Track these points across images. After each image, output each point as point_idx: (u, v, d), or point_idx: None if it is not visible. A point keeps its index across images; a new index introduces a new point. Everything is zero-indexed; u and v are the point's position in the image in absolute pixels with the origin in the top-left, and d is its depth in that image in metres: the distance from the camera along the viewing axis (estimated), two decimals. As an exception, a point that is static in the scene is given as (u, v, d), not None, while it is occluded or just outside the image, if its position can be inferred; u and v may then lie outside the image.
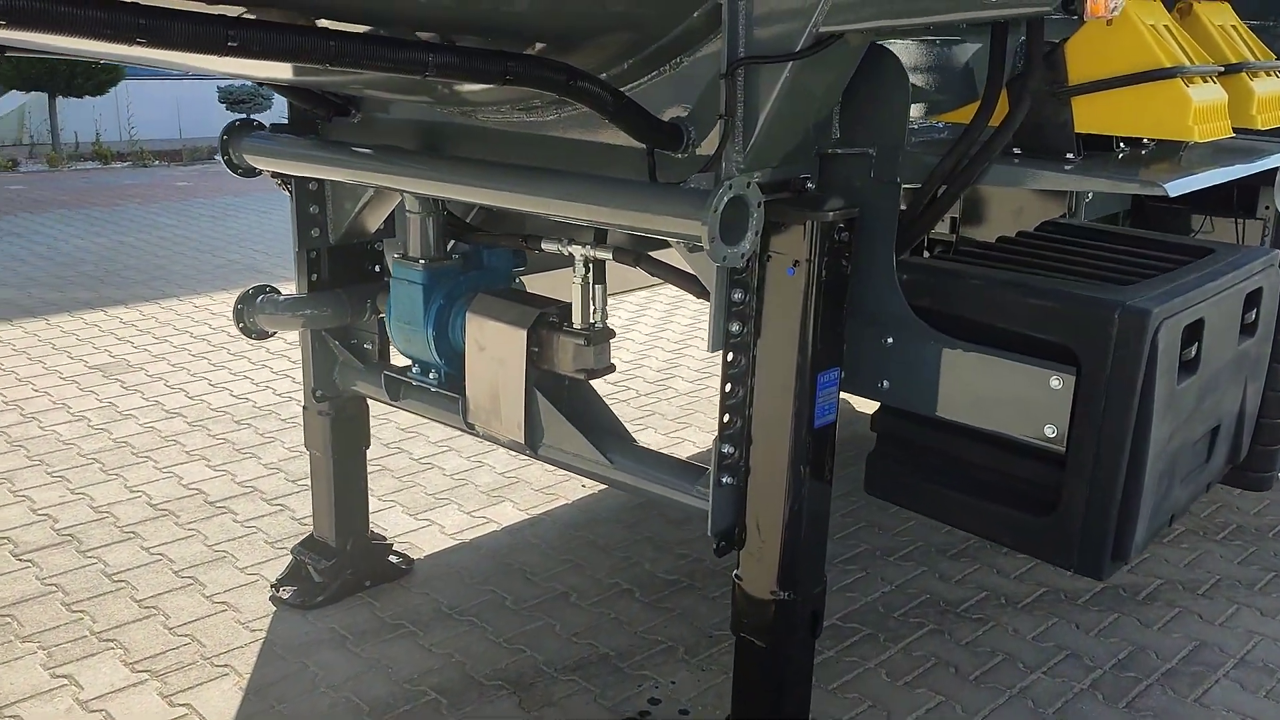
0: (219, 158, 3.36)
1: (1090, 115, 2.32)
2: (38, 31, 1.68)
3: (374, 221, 3.49)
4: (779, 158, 2.37)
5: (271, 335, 3.56)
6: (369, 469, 4.43)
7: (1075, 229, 3.06)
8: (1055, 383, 2.27)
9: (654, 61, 2.41)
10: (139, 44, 1.75)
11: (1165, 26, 2.36)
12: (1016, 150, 2.40)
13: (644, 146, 2.40)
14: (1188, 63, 2.29)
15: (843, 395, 2.49)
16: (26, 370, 6.12)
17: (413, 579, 3.88)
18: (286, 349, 6.51)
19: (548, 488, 4.62)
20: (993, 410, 2.38)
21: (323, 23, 2.06)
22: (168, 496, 4.51)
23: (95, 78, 15.68)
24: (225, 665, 3.33)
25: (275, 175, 3.33)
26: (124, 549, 4.05)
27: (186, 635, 3.49)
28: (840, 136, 2.46)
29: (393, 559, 3.91)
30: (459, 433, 5.14)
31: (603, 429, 2.93)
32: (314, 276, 3.46)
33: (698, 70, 2.38)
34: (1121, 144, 2.53)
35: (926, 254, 3.95)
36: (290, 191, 3.41)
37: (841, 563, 4.04)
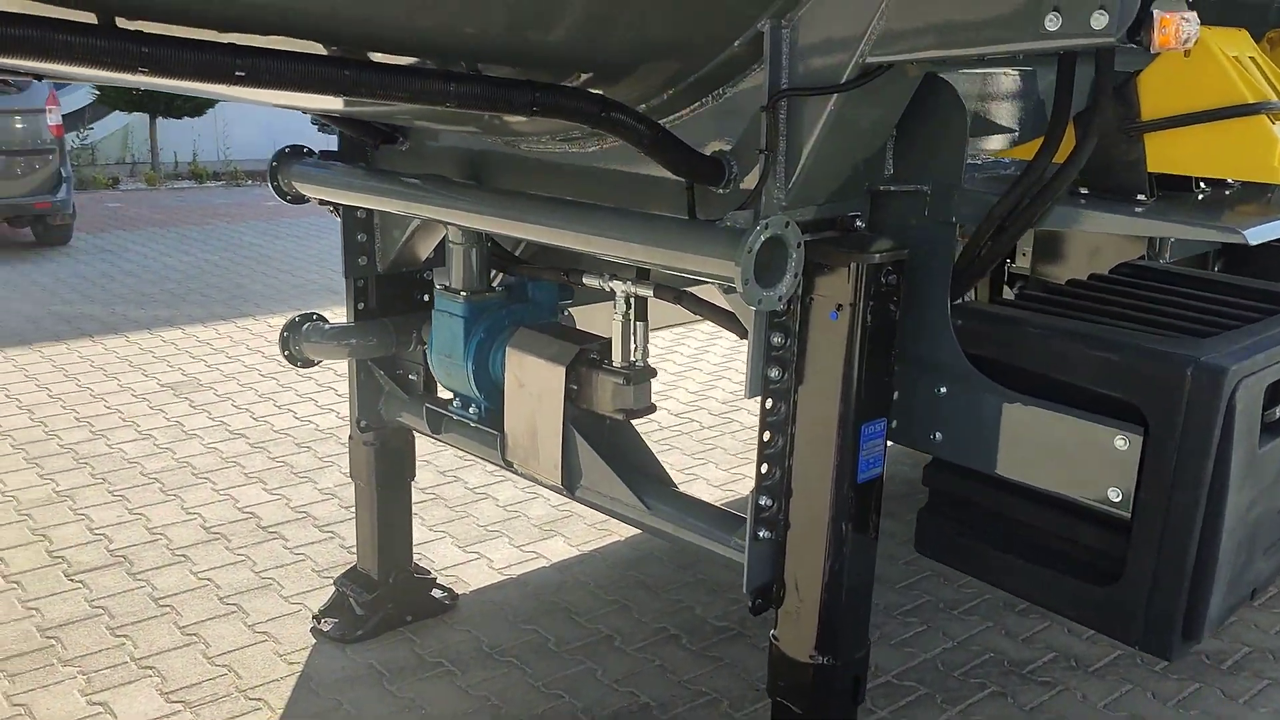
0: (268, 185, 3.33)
1: (1165, 153, 2.14)
2: (39, 61, 1.63)
3: (424, 250, 3.44)
4: (825, 194, 2.24)
5: (317, 364, 3.52)
6: (423, 497, 4.39)
7: (1154, 272, 2.85)
8: (1121, 443, 2.09)
9: (695, 92, 2.30)
10: (142, 73, 1.69)
11: (1250, 58, 2.17)
12: (1084, 190, 2.23)
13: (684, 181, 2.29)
14: (1275, 98, 2.10)
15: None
16: (101, 387, 6.23)
17: (456, 615, 3.80)
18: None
19: (600, 523, 4.51)
20: (1053, 470, 2.20)
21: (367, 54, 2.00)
22: (222, 519, 4.51)
23: (194, 99, 16.11)
24: (259, 699, 3.28)
25: (323, 202, 3.29)
26: (173, 572, 4.05)
27: (224, 665, 3.45)
28: (894, 173, 2.32)
29: (436, 593, 3.84)
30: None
31: (642, 472, 2.81)
32: (361, 305, 3.42)
33: (741, 102, 2.26)
34: (1202, 184, 2.33)
35: (1008, 289, 3.76)
36: (339, 218, 3.38)
37: (901, 614, 3.85)
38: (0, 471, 4.96)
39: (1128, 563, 2.14)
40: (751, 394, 2.30)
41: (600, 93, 2.15)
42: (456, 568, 4.14)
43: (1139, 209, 2.14)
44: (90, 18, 1.70)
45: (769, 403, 2.31)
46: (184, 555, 4.18)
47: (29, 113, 9.77)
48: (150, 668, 3.43)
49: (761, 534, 2.36)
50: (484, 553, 4.28)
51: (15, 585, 3.93)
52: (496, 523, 4.54)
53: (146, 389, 6.22)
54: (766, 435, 2.32)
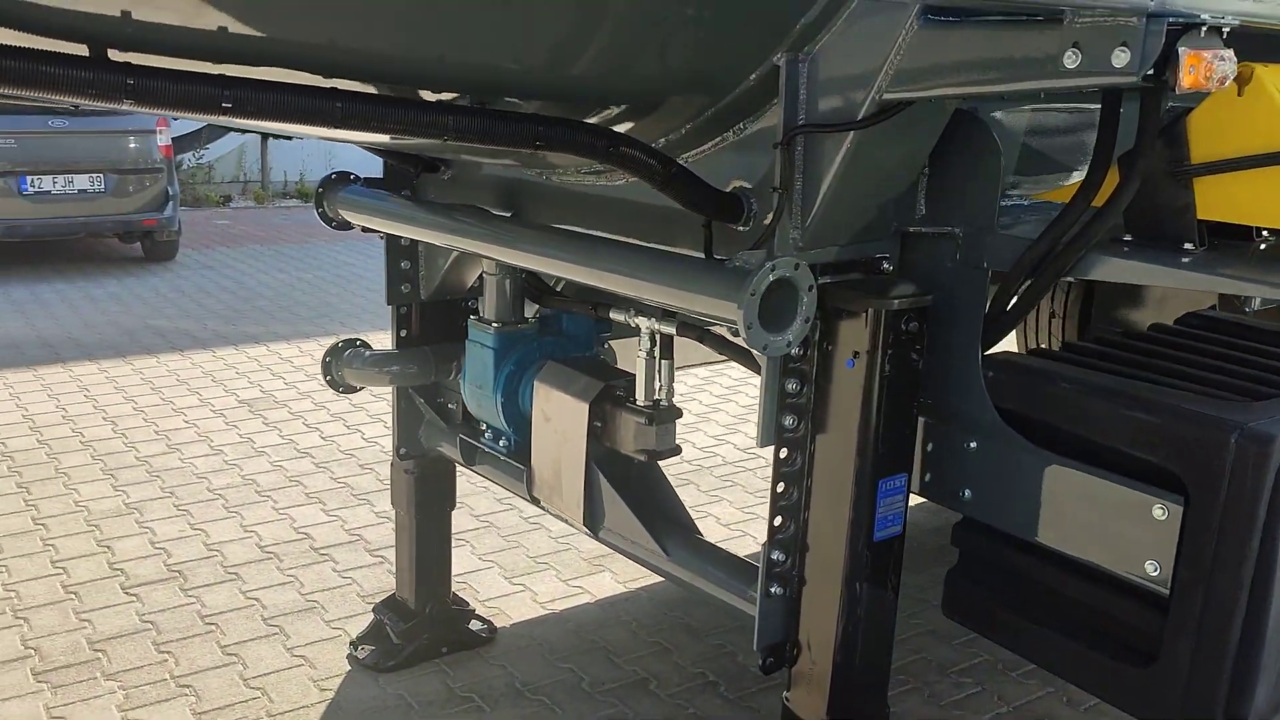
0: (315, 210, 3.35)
1: (1216, 199, 1.97)
2: (26, 90, 1.64)
3: (467, 278, 3.41)
4: (848, 235, 2.13)
5: (358, 390, 3.52)
6: (477, 524, 4.37)
7: (1222, 325, 2.65)
8: (1159, 512, 1.92)
9: (715, 127, 2.22)
10: (128, 103, 1.69)
11: (1317, 96, 1.98)
12: (1127, 237, 2.07)
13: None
14: (1341, 140, 1.91)
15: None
16: (183, 401, 6.40)
17: (493, 649, 3.74)
18: (426, 394, 6.57)
19: (652, 559, 4.41)
20: (1087, 537, 2.03)
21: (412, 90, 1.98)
22: (277, 539, 4.55)
23: (303, 121, 16.63)
24: (286, 725, 3.27)
25: (366, 229, 3.29)
26: (223, 591, 4.09)
27: (259, 688, 3.46)
28: (925, 213, 2.20)
29: (474, 625, 3.79)
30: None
31: (664, 516, 2.71)
32: (404, 332, 3.41)
33: (761, 137, 2.17)
34: (1265, 232, 2.15)
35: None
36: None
37: (955, 673, 3.65)
38: (78, 481, 5.11)
39: (1164, 643, 1.96)
40: (764, 443, 2.19)
41: (607, 128, 2.08)
42: (500, 599, 4.09)
43: (1186, 259, 1.98)
44: (83, 49, 1.71)
45: (783, 452, 2.20)
46: (235, 574, 4.23)
47: (140, 133, 10.17)
48: (188, 686, 3.45)
49: (774, 590, 2.25)
50: (529, 585, 4.22)
51: (73, 596, 4.02)
52: (546, 555, 4.48)
53: (225, 404, 6.36)
54: (780, 486, 2.21)
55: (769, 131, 2.15)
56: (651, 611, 4.04)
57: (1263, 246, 2.14)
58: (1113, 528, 1.99)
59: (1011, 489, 2.13)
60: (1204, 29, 1.53)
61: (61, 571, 4.21)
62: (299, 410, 6.30)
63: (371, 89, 2.01)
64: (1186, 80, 1.51)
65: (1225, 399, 2.00)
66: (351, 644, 3.69)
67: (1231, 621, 1.88)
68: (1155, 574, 1.94)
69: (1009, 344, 3.42)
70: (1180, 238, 2.00)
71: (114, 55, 1.71)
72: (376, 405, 6.38)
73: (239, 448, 5.64)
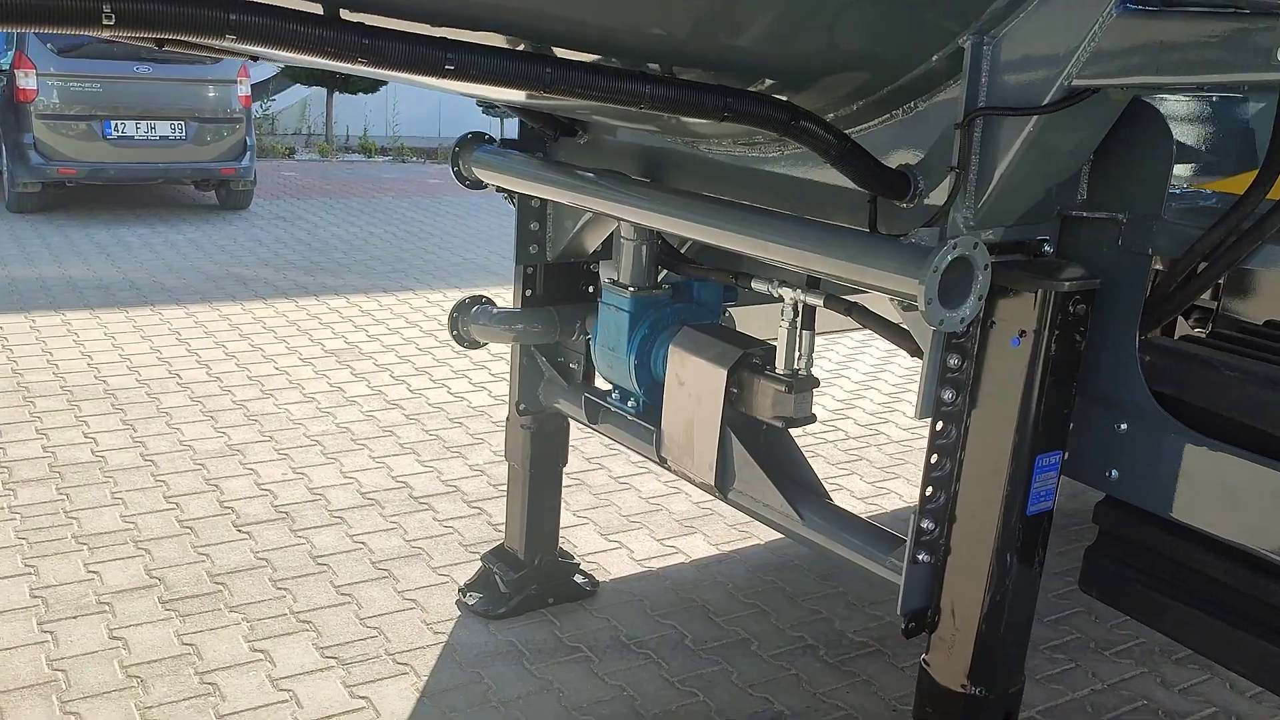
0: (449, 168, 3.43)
1: (1395, 195, 2.00)
2: (269, 47, 1.72)
3: (592, 242, 3.49)
4: (1015, 217, 2.17)
5: (482, 345, 3.61)
6: (569, 482, 4.46)
7: (1363, 318, 2.67)
8: (1319, 499, 1.96)
9: (886, 105, 2.26)
10: (361, 63, 1.76)
11: None
12: (1298, 229, 2.10)
13: (867, 193, 2.27)
14: None
15: (1063, 481, 2.26)
16: (272, 349, 6.55)
17: (595, 602, 3.85)
18: (505, 352, 6.67)
19: (741, 524, 4.50)
20: (1239, 520, 2.08)
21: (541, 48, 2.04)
22: (377, 486, 4.68)
23: (368, 78, 16.74)
24: (406, 664, 3.40)
25: (500, 189, 3.37)
26: (330, 533, 4.23)
27: (375, 628, 3.59)
28: (1087, 198, 2.23)
29: (578, 579, 3.90)
30: (659, 457, 5.12)
31: (797, 482, 2.79)
32: (529, 292, 3.49)
33: (933, 116, 2.21)
34: None
35: (1183, 318, 3.59)
36: (514, 205, 3.46)
37: (1049, 649, 3.72)
38: (180, 421, 5.27)
39: (1315, 627, 2.02)
40: (923, 415, 2.25)
41: (791, 101, 2.13)
42: (598, 555, 4.20)
43: (1360, 253, 2.01)
44: (317, 9, 1.79)
45: (939, 425, 2.26)
46: (341, 518, 4.37)
47: (221, 83, 10.32)
48: (308, 622, 3.59)
49: (921, 557, 2.31)
50: (625, 543, 4.33)
51: (189, 531, 4.17)
52: (638, 514, 4.59)
53: (311, 354, 6.51)
54: (934, 458, 2.27)
55: (938, 110, 2.21)
56: (746, 575, 4.13)
57: None
58: (1269, 512, 2.03)
59: (1163, 471, 2.17)
60: None
61: (175, 507, 4.36)
62: (384, 362, 6.43)
63: (562, 54, 2.07)
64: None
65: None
66: (460, 590, 3.82)
67: (1389, 609, 1.93)
68: (1310, 559, 1.99)
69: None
70: (1356, 232, 2.03)
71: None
72: (459, 362, 6.51)
73: (330, 396, 5.78)
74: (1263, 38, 1.67)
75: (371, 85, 17.08)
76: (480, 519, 4.44)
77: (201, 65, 10.23)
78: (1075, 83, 1.93)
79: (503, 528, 4.24)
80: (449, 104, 20.27)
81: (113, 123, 9.88)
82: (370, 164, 16.17)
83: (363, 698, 3.22)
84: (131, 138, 9.97)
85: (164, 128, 10.06)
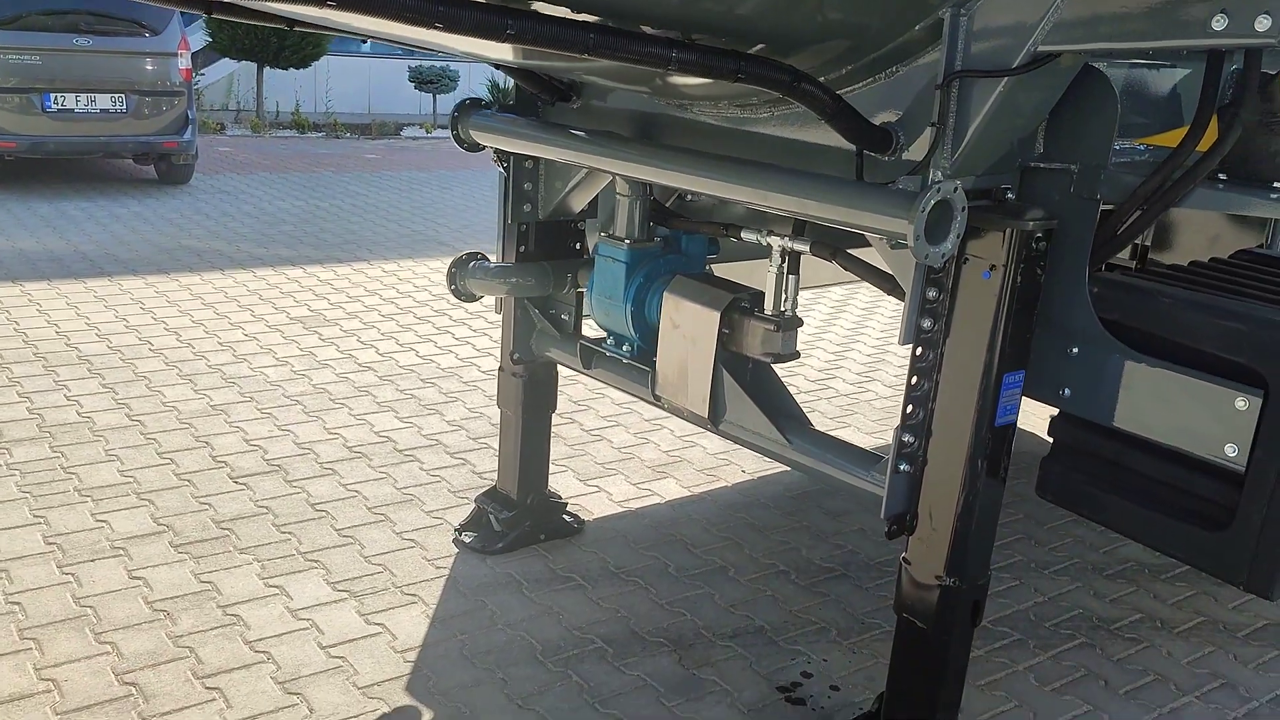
0: (443, 133, 3.65)
1: (1301, 146, 2.37)
2: (354, 12, 1.96)
3: (580, 202, 3.75)
4: (983, 167, 2.50)
5: (478, 299, 3.85)
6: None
7: (1270, 259, 3.07)
8: (1241, 404, 2.33)
9: (871, 69, 2.58)
10: (436, 29, 2.01)
11: (1387, 64, 2.39)
12: (1222, 176, 2.46)
13: (853, 147, 2.58)
14: None
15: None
16: (237, 317, 6.68)
17: (583, 538, 4.14)
18: (467, 318, 6.91)
19: (709, 469, 4.82)
20: (1175, 426, 2.45)
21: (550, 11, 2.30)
22: (362, 441, 4.90)
23: (301, 51, 16.62)
24: (413, 595, 3.65)
25: (497, 152, 3.60)
26: (324, 483, 4.45)
27: (379, 565, 3.83)
28: (1043, 151, 2.57)
29: (566, 518, 4.18)
30: (625, 409, 5.43)
31: (783, 412, 3.10)
32: (522, 249, 3.75)
33: (911, 79, 2.53)
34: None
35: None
36: (505, 168, 3.69)
37: (996, 569, 4.10)
38: (159, 385, 5.40)
39: (1238, 512, 2.39)
40: (905, 341, 2.58)
41: (793, 66, 2.43)
42: (580, 498, 4.48)
43: (1275, 195, 2.38)
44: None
45: (919, 350, 2.59)
46: (332, 469, 4.58)
47: (162, 55, 10.28)
48: (316, 561, 3.82)
49: (902, 467, 2.65)
50: (603, 487, 4.62)
51: (188, 483, 4.35)
52: (613, 462, 4.88)
53: (278, 321, 6.65)
54: (914, 379, 2.61)
55: (916, 74, 2.52)
56: (718, 513, 4.45)
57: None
58: (1199, 417, 2.40)
59: (1109, 387, 2.53)
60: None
61: (170, 462, 4.53)
62: (350, 329, 6.60)
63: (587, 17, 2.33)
64: (1316, 45, 1.89)
65: (1300, 311, 2.42)
66: (456, 530, 4.07)
67: (1298, 492, 2.31)
68: (1234, 455, 2.36)
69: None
70: (1269, 178, 2.40)
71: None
72: (423, 327, 6.71)
73: (303, 360, 5.95)
74: (1198, 9, 2.01)
75: (303, 60, 16.98)
76: (465, 469, 4.69)
77: (141, 38, 10.18)
78: (1040, 49, 2.25)
79: (488, 476, 4.52)
80: (379, 81, 20.25)
81: (52, 96, 9.79)
82: (304, 139, 16.11)
83: (378, 624, 3.47)
84: (72, 111, 9.90)
85: (104, 101, 10.00)
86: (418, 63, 19.57)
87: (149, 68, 10.28)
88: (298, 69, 17.38)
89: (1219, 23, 1.97)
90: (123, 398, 5.20)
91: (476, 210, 10.73)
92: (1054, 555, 4.26)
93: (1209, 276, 2.80)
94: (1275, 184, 2.39)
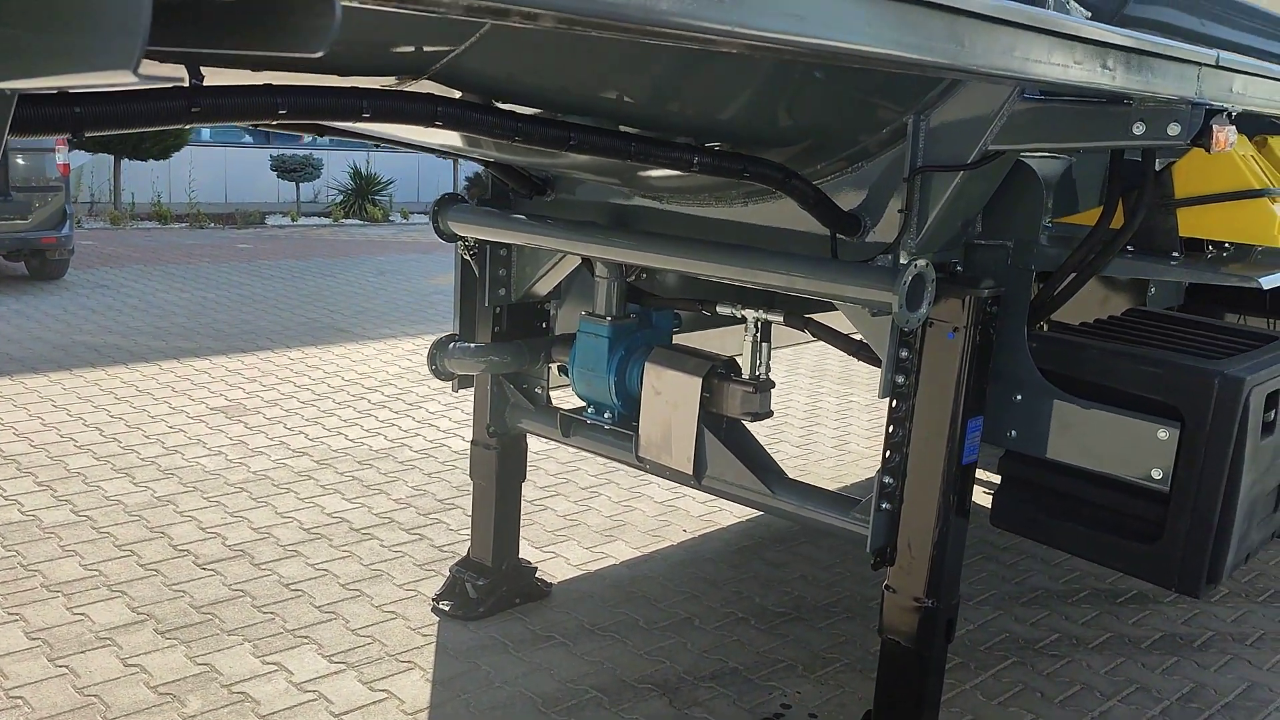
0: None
1: (1191, 223, 2.92)
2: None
3: (547, 286, 4.07)
4: (939, 246, 2.96)
5: (456, 377, 4.11)
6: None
7: (1157, 315, 3.65)
8: (1163, 434, 2.83)
9: (842, 164, 3.02)
10: (436, 127, 2.28)
11: (1250, 156, 2.98)
12: (1130, 248, 2.99)
13: (820, 230, 3.00)
14: (1270, 185, 2.90)
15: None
16: (155, 409, 6.67)
17: (552, 601, 4.38)
18: (386, 401, 7.07)
19: (652, 530, 5.14)
20: (1108, 456, 2.93)
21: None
22: (316, 523, 5.02)
23: (162, 143, 16.44)
24: (409, 661, 3.82)
25: (475, 241, 3.90)
26: (292, 564, 4.56)
27: (369, 636, 3.99)
28: (983, 230, 3.06)
29: (538, 582, 4.42)
30: (564, 479, 5.69)
31: (762, 465, 3.47)
32: (496, 329, 4.04)
33: (875, 173, 2.99)
34: (1210, 246, 3.13)
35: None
36: (472, 256, 3.98)
37: (928, 604, 4.54)
38: (96, 480, 5.39)
39: (1166, 526, 2.87)
40: (883, 395, 3.00)
41: (786, 165, 2.85)
42: (539, 563, 4.71)
43: (1173, 262, 2.92)
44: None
45: (894, 402, 3.01)
46: (295, 551, 4.69)
47: (38, 151, 10.13)
48: (306, 637, 3.95)
49: (884, 506, 3.05)
50: (559, 552, 4.87)
51: (155, 572, 4.40)
52: (562, 529, 5.14)
53: (198, 411, 6.67)
54: (891, 428, 3.02)
55: (880, 167, 2.98)
56: (670, 569, 4.76)
57: (1209, 256, 3.13)
58: (1128, 448, 2.89)
59: (1048, 427, 3.01)
60: (1226, 113, 2.44)
61: (130, 554, 4.56)
62: (273, 416, 6.68)
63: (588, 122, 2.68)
64: (1217, 144, 2.41)
65: (1206, 355, 2.94)
66: (433, 599, 4.26)
67: (1214, 507, 2.81)
68: (1159, 478, 2.85)
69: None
70: (1168, 249, 2.94)
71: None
72: (345, 412, 6.84)
73: (235, 448, 6.01)
74: (1121, 117, 2.52)
75: (164, 152, 16.77)
76: (423, 543, 4.87)
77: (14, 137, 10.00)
78: (990, 147, 2.74)
79: (449, 549, 4.73)
80: (236, 170, 20.09)
81: (-78, 192, 9.52)
82: (167, 231, 15.88)
83: (383, 690, 3.63)
84: (-57, 208, 9.63)
85: (-22, 197, 9.77)
86: (279, 151, 19.57)
87: (25, 162, 10.10)
88: (159, 160, 17.16)
89: (1139, 129, 2.48)
90: (62, 494, 5.18)
91: (367, 296, 10.86)
92: (974, 588, 4.73)
93: (1121, 330, 3.33)
94: (1174, 254, 2.93)
